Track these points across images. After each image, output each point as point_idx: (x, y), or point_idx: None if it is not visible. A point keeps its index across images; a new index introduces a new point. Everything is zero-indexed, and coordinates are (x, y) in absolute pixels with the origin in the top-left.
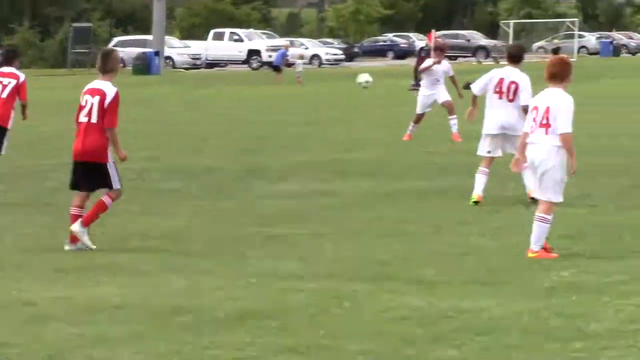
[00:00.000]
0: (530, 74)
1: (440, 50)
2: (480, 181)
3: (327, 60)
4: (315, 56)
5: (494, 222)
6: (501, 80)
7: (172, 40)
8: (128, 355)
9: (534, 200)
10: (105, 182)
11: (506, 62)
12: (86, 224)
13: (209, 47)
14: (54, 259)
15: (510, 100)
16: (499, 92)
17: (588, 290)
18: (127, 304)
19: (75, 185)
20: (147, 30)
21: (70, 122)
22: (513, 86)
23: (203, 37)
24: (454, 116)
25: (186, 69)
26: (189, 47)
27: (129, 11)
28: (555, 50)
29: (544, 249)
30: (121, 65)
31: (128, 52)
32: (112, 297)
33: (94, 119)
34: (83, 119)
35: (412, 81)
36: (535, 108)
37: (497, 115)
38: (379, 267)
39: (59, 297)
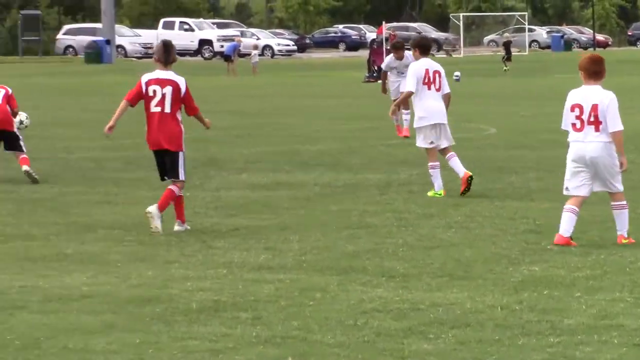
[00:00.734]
0: (482, 67)
1: (398, 48)
2: (437, 176)
3: (279, 51)
4: (267, 47)
5: (458, 215)
6: (427, 71)
7: (122, 29)
8: (102, 345)
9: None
10: (174, 170)
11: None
12: (162, 209)
13: (159, 36)
14: (20, 247)
15: (437, 90)
16: (428, 83)
17: (559, 285)
18: (96, 293)
19: (164, 175)
20: (95, 18)
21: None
22: (437, 75)
23: (152, 26)
24: (408, 111)
25: (138, 57)
26: (140, 35)
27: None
28: (507, 44)
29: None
30: (72, 53)
31: (78, 41)
32: (82, 286)
33: (167, 109)
34: (155, 109)
35: (366, 73)
36: (578, 106)
37: (430, 105)
38: (347, 259)
39: (28, 286)
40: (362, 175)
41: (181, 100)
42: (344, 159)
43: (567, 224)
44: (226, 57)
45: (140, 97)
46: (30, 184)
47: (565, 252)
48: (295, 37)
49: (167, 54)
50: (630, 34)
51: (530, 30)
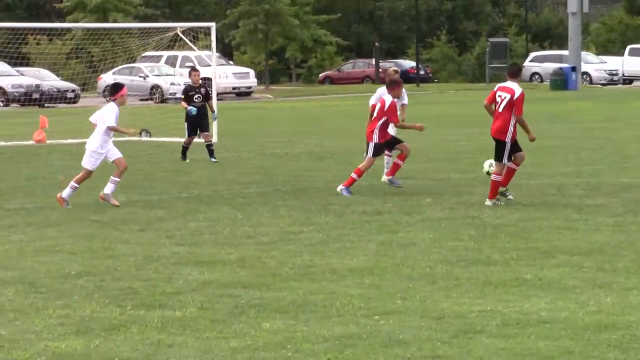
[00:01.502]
0: None
1: None
2: None
3: None
4: None
5: None
6: None
7: (588, 56)
8: None
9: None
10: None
11: None
12: None
13: (625, 63)
14: (480, 272)
15: None
16: None
17: None
18: (555, 319)
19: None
20: (562, 46)
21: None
22: None
23: (619, 52)
24: None
25: (603, 84)
26: (605, 62)
27: (545, 26)
28: None
29: None
30: (538, 80)
31: (545, 67)
32: (540, 311)
33: (500, 109)
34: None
35: None
36: None
37: None
38: None
39: (487, 310)
40: None
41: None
42: None
43: None
44: None
45: None
46: (492, 210)
47: None
48: None
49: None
50: None
51: None
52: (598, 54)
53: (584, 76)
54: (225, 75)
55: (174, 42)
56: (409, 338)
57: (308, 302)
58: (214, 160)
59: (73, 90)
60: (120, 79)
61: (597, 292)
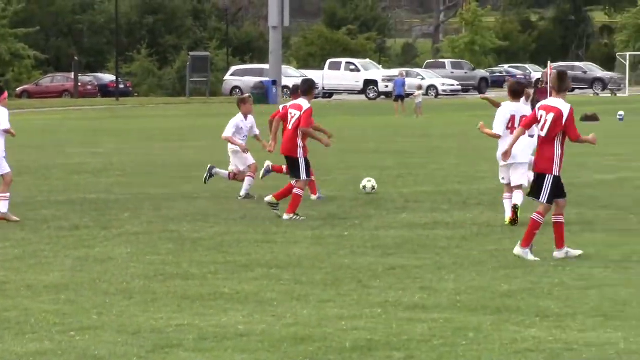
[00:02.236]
0: None
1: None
2: None
3: (444, 91)
4: (431, 87)
5: (616, 255)
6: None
7: (289, 70)
8: None
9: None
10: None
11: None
12: None
13: (325, 77)
14: (178, 286)
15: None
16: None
17: None
18: (252, 332)
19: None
20: (263, 60)
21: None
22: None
23: (319, 66)
24: None
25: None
26: (305, 76)
27: (246, 40)
28: None
29: None
30: (239, 94)
31: (245, 81)
32: (237, 324)
33: (543, 133)
34: (540, 132)
35: None
36: None
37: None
38: (502, 299)
39: (184, 324)
40: (524, 214)
41: (562, 126)
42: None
43: None
44: (397, 97)
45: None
46: (190, 223)
47: None
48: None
49: (560, 82)
50: None
51: None
52: (299, 67)
53: (285, 89)
54: None
55: None
56: (104, 354)
57: (2, 319)
58: None
59: None
60: None
61: (294, 304)
